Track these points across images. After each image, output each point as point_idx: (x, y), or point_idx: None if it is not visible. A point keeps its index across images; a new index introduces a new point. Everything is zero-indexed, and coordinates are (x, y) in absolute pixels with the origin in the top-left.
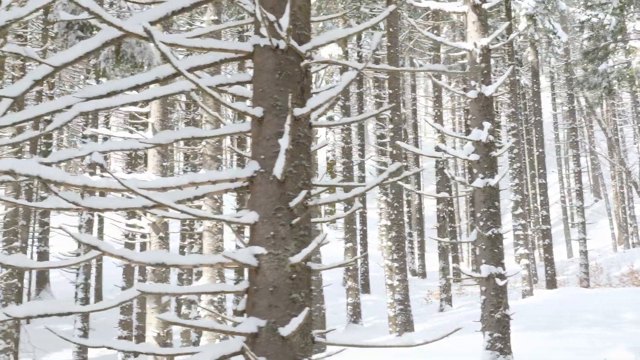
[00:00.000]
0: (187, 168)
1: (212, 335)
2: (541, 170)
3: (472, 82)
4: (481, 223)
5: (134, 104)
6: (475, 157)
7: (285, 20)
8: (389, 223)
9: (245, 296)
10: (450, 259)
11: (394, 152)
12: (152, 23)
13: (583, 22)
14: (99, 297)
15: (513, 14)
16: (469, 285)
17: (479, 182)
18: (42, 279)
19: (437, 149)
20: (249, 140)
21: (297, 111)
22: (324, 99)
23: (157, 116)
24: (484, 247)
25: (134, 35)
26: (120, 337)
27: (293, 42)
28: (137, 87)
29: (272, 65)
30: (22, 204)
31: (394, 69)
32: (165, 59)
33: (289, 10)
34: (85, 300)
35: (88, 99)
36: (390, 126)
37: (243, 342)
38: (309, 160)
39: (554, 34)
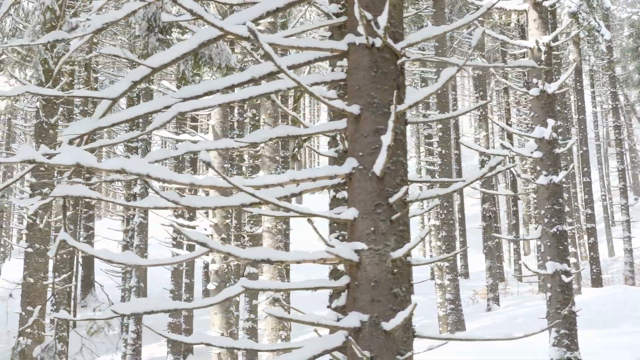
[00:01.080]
0: (244, 171)
1: (274, 335)
2: (585, 169)
3: (535, 80)
4: (545, 220)
5: (228, 104)
6: (538, 154)
7: (383, 18)
8: (438, 223)
9: (346, 291)
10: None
11: (443, 152)
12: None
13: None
14: None
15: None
16: (532, 282)
17: (542, 179)
18: (87, 283)
19: (503, 146)
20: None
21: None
22: (423, 95)
23: (218, 118)
24: (548, 244)
25: (235, 36)
26: (169, 340)
27: (389, 40)
28: (232, 87)
29: (367, 63)
30: (121, 203)
31: (493, 65)
32: (269, 58)
33: (387, 8)
34: None
35: (185, 99)
36: (439, 126)
37: (345, 336)
38: (405, 157)
39: (598, 31)
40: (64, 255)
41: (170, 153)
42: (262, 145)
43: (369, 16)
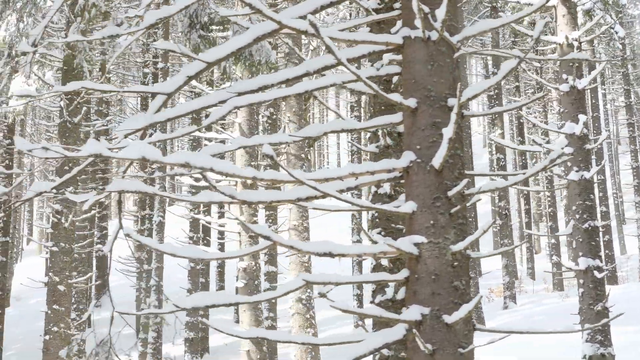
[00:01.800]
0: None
1: (302, 332)
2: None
3: (564, 76)
4: (577, 216)
5: (284, 98)
6: (569, 150)
7: (441, 11)
8: None
9: (405, 285)
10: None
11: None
12: (303, 17)
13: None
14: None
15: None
16: (560, 278)
17: (573, 175)
18: (102, 283)
19: (534, 142)
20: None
21: (452, 101)
22: (481, 88)
23: (244, 116)
24: (580, 239)
25: (293, 29)
26: (186, 339)
27: (445, 33)
28: (287, 82)
29: (423, 57)
30: (177, 197)
31: (554, 58)
32: (330, 51)
33: (445, 1)
34: (159, 302)
35: (240, 93)
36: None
37: (406, 329)
38: (462, 150)
39: (612, 28)
40: (82, 255)
41: (224, 148)
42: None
43: (426, 9)
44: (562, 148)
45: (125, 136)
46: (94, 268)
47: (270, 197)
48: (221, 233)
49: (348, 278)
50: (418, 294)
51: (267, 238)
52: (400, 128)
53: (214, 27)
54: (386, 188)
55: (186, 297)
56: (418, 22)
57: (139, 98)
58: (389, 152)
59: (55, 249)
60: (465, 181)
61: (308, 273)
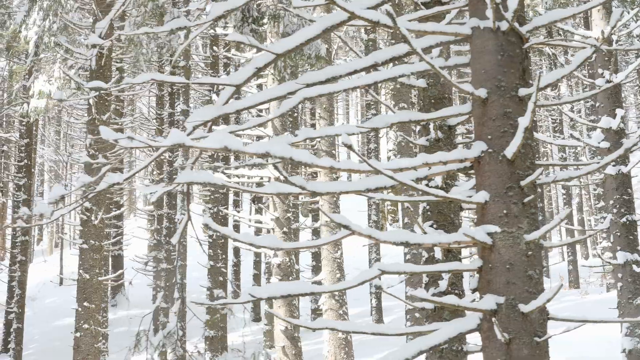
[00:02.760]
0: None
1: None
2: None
3: (600, 70)
4: (614, 210)
5: (353, 89)
6: (605, 144)
7: (513, 1)
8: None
9: (478, 275)
10: None
11: None
12: (372, 8)
13: None
14: (171, 300)
15: None
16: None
17: (611, 169)
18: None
19: (572, 137)
20: None
21: (522, 91)
22: (554, 78)
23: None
24: (618, 234)
25: (365, 20)
26: (207, 337)
27: (515, 24)
28: (354, 72)
29: (493, 47)
30: (248, 190)
31: (631, 48)
32: (406, 41)
33: None
34: (181, 300)
35: (308, 85)
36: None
37: (480, 319)
38: (533, 140)
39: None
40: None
41: (291, 139)
42: (318, 140)
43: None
44: (599, 142)
45: (194, 128)
46: (110, 267)
47: (339, 188)
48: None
49: (421, 268)
50: (492, 283)
51: (346, 227)
52: (451, 121)
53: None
54: (437, 181)
55: (261, 287)
56: (489, 13)
57: (150, 97)
58: (439, 145)
59: (85, 246)
60: (539, 170)
61: (386, 264)
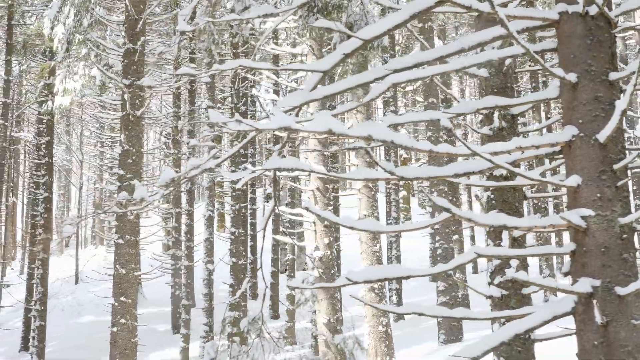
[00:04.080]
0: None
1: (375, 321)
2: None
3: None
4: None
5: (441, 74)
6: None
7: None
8: None
9: (571, 259)
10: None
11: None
12: None
13: None
14: (191, 297)
15: None
16: None
17: None
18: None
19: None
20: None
21: (613, 75)
22: None
23: (317, 106)
24: None
25: (457, 4)
26: (229, 334)
27: (604, 8)
28: (441, 58)
29: (582, 32)
30: (331, 175)
31: None
32: (503, 25)
33: None
34: (209, 296)
35: (396, 70)
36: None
37: (574, 302)
38: (622, 124)
39: None
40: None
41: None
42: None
43: None
44: None
45: (284, 112)
46: None
47: (427, 173)
48: (290, 223)
49: (516, 252)
50: (587, 267)
51: (447, 210)
52: (514, 111)
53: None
54: (502, 169)
55: (358, 271)
56: None
57: (172, 95)
58: (502, 134)
59: (120, 241)
60: (635, 154)
61: (482, 247)
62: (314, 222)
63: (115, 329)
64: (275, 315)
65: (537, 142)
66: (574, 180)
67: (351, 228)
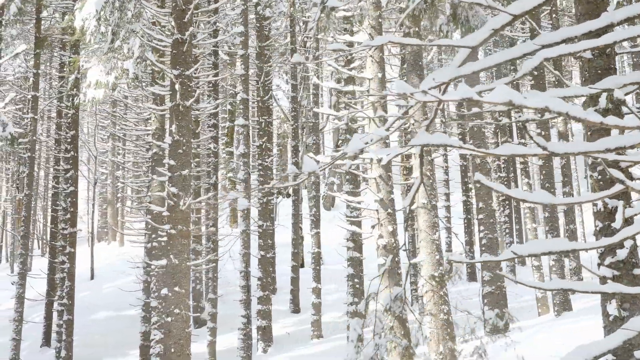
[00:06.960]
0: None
1: (436, 309)
2: None
3: None
4: None
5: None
6: None
7: None
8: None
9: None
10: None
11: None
12: None
13: None
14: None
15: None
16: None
17: None
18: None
19: None
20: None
21: None
22: None
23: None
24: None
25: None
26: (259, 327)
27: None
28: (590, 33)
29: None
30: (476, 151)
31: None
32: None
33: None
34: (247, 289)
35: (544, 46)
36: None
37: None
38: None
39: None
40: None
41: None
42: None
43: None
44: None
45: (429, 89)
46: None
47: (578, 148)
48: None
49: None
50: None
51: (621, 182)
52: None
53: None
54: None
55: (522, 245)
56: None
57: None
58: (608, 115)
59: (173, 231)
60: None
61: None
62: (376, 210)
63: (169, 319)
64: (296, 310)
65: None
66: None
67: (523, 200)
